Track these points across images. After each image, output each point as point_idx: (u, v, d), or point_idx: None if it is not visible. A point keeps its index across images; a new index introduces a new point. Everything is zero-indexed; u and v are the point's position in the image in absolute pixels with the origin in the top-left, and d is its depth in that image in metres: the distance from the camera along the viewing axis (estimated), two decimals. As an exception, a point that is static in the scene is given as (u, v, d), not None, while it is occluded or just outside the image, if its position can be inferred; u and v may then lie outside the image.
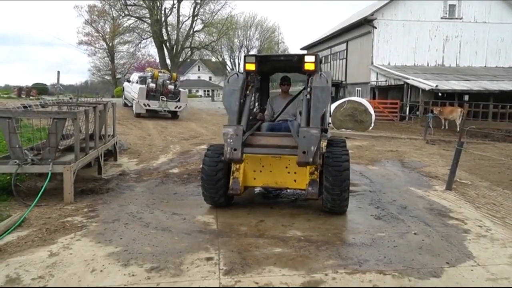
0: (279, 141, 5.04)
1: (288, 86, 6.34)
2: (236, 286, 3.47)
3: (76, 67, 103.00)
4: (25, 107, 6.68)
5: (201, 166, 5.70)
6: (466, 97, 20.52)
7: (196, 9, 36.45)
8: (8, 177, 6.27)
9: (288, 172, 5.33)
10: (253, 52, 57.24)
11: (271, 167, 5.38)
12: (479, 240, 4.62)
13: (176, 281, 3.55)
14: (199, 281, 3.55)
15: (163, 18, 35.50)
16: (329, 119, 6.49)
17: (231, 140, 4.82)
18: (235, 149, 4.81)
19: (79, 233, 4.62)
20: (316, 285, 3.51)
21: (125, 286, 3.45)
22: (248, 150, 4.99)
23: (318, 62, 5.49)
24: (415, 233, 4.78)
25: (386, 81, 23.29)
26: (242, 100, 5.29)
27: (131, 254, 4.06)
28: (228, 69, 64.71)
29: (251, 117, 5.99)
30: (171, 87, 17.94)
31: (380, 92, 24.83)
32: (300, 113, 5.86)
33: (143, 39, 39.01)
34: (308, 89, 5.22)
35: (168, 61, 37.23)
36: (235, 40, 60.44)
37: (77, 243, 4.33)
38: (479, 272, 3.81)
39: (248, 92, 5.45)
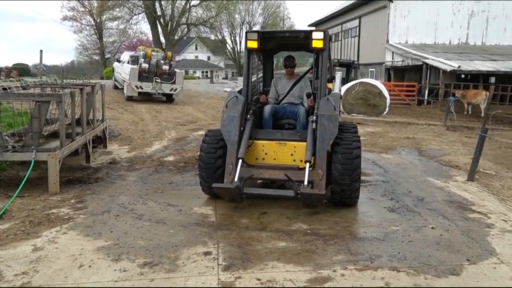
0: (283, 174, 5.08)
1: (293, 67, 6.31)
2: (236, 283, 3.50)
3: (60, 45, 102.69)
4: (4, 89, 6.67)
5: (198, 153, 5.71)
6: (493, 79, 20.34)
7: (193, -19, 36.13)
8: (-12, 165, 6.31)
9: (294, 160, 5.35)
10: (256, 28, 56.80)
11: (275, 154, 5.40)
12: (503, 236, 4.62)
13: (171, 277, 3.58)
14: (196, 277, 3.59)
15: (156, -9, 35.21)
16: (340, 103, 6.50)
17: (226, 195, 4.94)
18: (233, 199, 4.95)
19: (66, 226, 4.66)
20: (323, 282, 3.54)
21: (116, 283, 3.49)
22: (247, 194, 5.00)
23: (327, 39, 5.46)
24: (432, 227, 4.80)
25: (402, 61, 23.09)
26: (242, 128, 5.33)
27: (123, 248, 4.10)
28: (229, 47, 64.42)
29: (253, 98, 5.98)
30: (165, 67, 17.89)
31: (396, 74, 24.64)
32: (307, 95, 5.87)
33: (135, 14, 38.77)
34: (314, 117, 5.28)
35: (162, 39, 37.01)
36: (236, 16, 60.04)
37: (64, 236, 4.37)
38: (503, 270, 3.82)
39: (248, 116, 5.48)
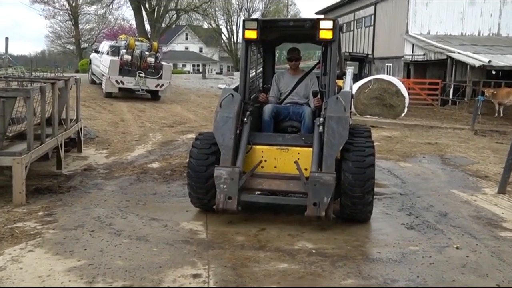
0: (285, 185, 5.11)
1: (298, 60, 6.33)
2: (229, 311, 3.49)
3: (29, 33, 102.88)
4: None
5: (187, 159, 5.71)
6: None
7: (184, -40, 36.31)
8: None
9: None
10: (255, 16, 56.96)
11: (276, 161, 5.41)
12: (538, 257, 4.62)
13: (153, 303, 3.58)
14: (182, 303, 3.58)
15: (141, -28, 35.34)
16: (351, 103, 6.52)
17: (224, 186, 4.92)
18: (229, 198, 4.93)
19: (32, 242, 4.63)
20: (330, 310, 3.54)
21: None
22: (246, 197, 5.11)
23: (337, 29, 5.49)
24: (457, 247, 4.80)
25: (424, 55, 23.19)
26: (238, 131, 5.34)
27: (98, 269, 4.08)
28: (224, 38, 64.59)
29: (251, 97, 6.00)
30: (151, 60, 17.94)
31: (416, 69, 24.73)
32: (313, 94, 5.89)
33: (116, -2, 38.88)
34: (321, 119, 5.30)
35: (147, 27, 37.13)
36: (233, 1, 60.19)
37: (29, 255, 4.35)
38: (538, 297, 3.83)
39: (246, 118, 5.49)
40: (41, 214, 5.48)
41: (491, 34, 25.28)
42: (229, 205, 4.96)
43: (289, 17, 53.28)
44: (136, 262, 4.24)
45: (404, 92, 17.00)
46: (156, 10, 37.28)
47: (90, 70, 22.15)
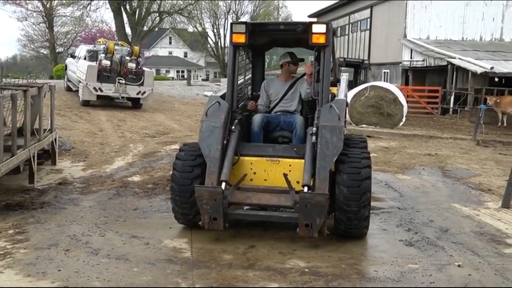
0: (276, 199, 5.15)
1: (296, 65, 6.38)
2: (215, 335, 3.49)
3: (0, 35, 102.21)
4: None
5: (171, 172, 5.71)
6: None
7: (167, -41, 36.48)
8: None
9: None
10: (244, 19, 57.28)
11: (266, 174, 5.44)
12: (544, 275, 4.67)
13: (134, 327, 3.56)
14: (165, 327, 3.57)
15: (121, -29, 35.42)
16: (346, 112, 6.58)
17: (208, 207, 4.92)
18: (214, 218, 4.94)
19: (1, 263, 4.59)
20: (324, 333, 3.54)
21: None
22: (233, 215, 5.13)
23: (330, 33, 5.55)
24: (459, 265, 4.84)
25: (423, 61, 23.46)
26: (225, 141, 5.37)
27: (73, 291, 4.05)
28: (211, 42, 64.79)
29: (239, 105, 6.03)
30: (131, 65, 17.90)
31: (415, 76, 25.00)
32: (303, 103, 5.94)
33: (94, -1, 38.86)
34: (314, 129, 5.34)
35: (128, 30, 37.15)
36: (220, 3, 60.49)
37: (-1, 276, 4.31)
38: (544, 317, 3.87)
39: (233, 127, 5.52)
40: (11, 232, 5.43)
41: (493, 39, 25.66)
42: (215, 226, 4.98)
43: (279, 20, 53.64)
44: (115, 283, 4.22)
45: (402, 100, 17.14)
46: (137, 12, 37.33)
47: (65, 76, 22.06)
